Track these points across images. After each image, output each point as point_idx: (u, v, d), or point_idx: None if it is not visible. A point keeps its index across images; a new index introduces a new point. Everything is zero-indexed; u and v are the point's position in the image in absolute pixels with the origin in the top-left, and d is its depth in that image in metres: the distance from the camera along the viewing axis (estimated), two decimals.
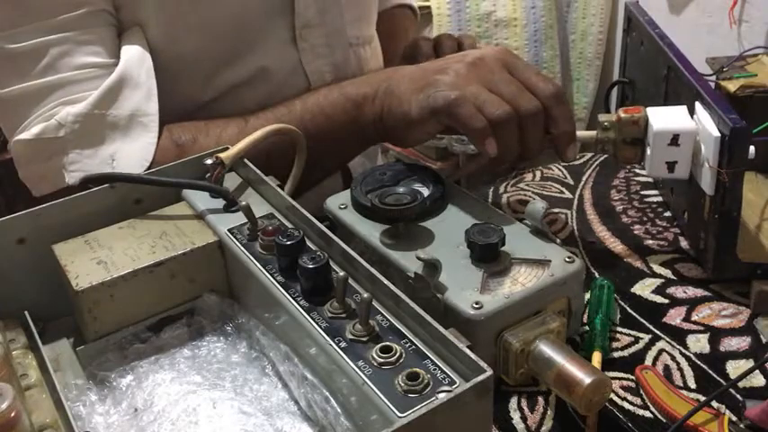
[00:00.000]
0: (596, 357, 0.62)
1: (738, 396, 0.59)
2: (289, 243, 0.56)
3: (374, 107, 0.75)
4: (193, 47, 0.81)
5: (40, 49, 0.74)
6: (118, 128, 0.75)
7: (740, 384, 0.60)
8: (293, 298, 0.54)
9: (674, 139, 0.69)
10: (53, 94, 0.74)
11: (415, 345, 0.49)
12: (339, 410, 0.49)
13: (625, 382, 0.62)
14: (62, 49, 0.74)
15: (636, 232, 0.81)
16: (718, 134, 0.64)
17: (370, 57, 1.00)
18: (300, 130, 0.72)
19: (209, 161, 0.65)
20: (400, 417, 0.44)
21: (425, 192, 0.68)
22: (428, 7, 1.78)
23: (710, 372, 0.62)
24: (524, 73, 0.70)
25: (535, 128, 0.68)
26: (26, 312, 0.59)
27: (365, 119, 0.75)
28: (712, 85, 0.81)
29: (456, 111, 0.67)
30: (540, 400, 0.60)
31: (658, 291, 0.72)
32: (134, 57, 0.77)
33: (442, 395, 0.44)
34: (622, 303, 0.70)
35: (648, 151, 0.71)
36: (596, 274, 0.74)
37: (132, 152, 0.75)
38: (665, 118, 0.71)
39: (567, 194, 0.89)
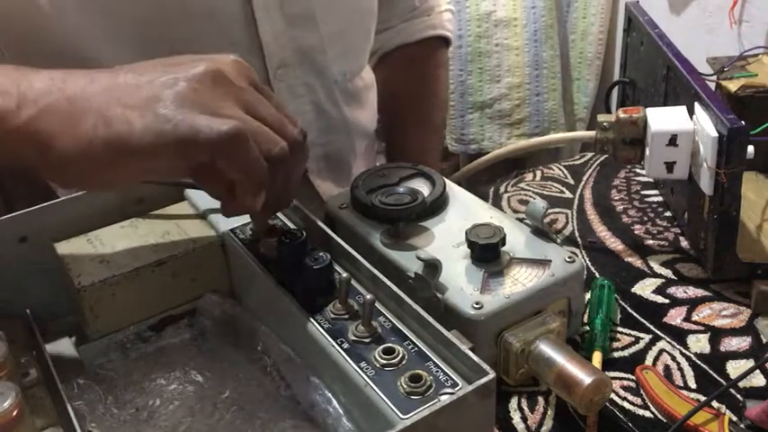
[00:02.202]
0: (596, 357, 0.62)
1: (738, 396, 0.59)
2: (291, 243, 0.56)
3: (21, 123, 0.48)
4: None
5: None
6: None
7: (740, 384, 0.60)
8: (295, 299, 0.54)
9: (672, 140, 0.69)
10: None
11: (418, 346, 0.49)
12: (341, 412, 0.49)
13: (625, 382, 0.62)
14: None
15: (636, 232, 0.81)
16: (716, 134, 0.64)
17: (362, 88, 0.93)
18: None
19: None
20: (403, 419, 0.44)
21: (425, 192, 0.68)
22: None
23: (711, 372, 0.62)
24: (269, 93, 0.54)
25: (299, 165, 0.55)
26: (28, 311, 0.60)
27: None
28: (713, 85, 0.81)
29: (235, 151, 0.48)
30: (540, 400, 0.60)
31: (659, 291, 0.72)
32: None
33: (444, 397, 0.44)
34: (623, 303, 0.70)
35: (647, 152, 0.71)
36: (596, 274, 0.74)
37: None
38: (663, 118, 0.71)
39: (568, 194, 0.89)
